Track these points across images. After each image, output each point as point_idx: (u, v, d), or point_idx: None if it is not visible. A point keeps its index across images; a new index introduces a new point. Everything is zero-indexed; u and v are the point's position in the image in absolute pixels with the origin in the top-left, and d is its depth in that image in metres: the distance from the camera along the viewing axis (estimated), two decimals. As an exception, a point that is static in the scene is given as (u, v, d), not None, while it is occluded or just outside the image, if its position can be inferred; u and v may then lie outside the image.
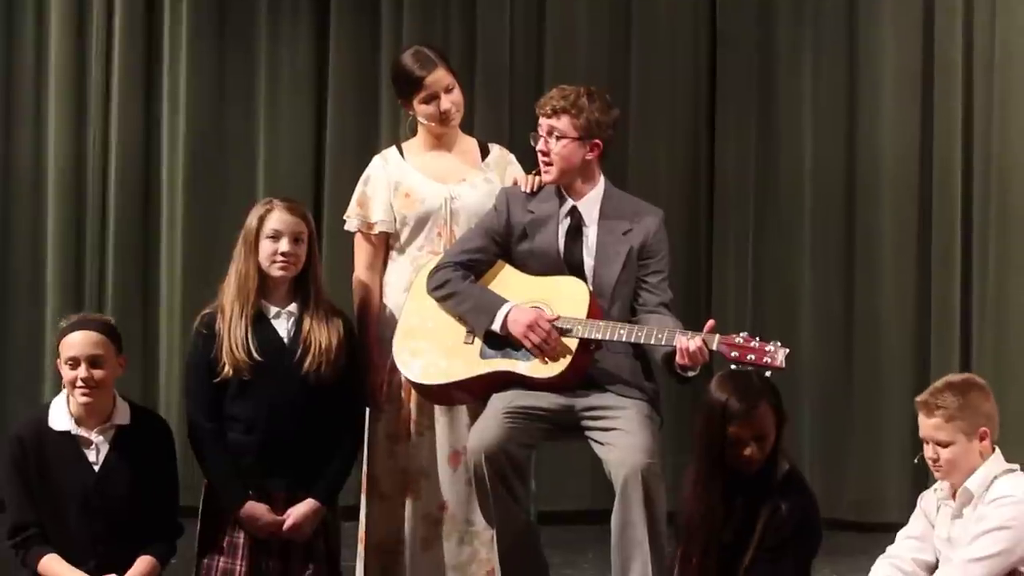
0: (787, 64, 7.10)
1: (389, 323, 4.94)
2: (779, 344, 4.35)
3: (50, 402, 4.62)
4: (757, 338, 4.38)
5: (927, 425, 4.17)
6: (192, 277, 7.00)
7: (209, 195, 7.10)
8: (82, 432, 4.53)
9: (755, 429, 4.19)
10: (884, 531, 5.18)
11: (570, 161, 4.73)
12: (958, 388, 4.17)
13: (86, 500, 4.49)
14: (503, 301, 4.69)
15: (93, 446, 4.53)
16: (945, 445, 4.14)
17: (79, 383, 4.48)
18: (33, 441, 4.51)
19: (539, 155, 4.75)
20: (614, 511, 4.46)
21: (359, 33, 7.16)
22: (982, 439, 4.15)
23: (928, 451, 4.19)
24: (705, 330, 4.46)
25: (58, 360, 4.56)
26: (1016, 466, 4.18)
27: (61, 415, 4.55)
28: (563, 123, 4.71)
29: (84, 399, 4.50)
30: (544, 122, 4.73)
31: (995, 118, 6.85)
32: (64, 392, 4.58)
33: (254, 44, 7.16)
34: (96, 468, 4.52)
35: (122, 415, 4.58)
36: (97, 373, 4.49)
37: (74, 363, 4.49)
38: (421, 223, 4.96)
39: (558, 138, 4.71)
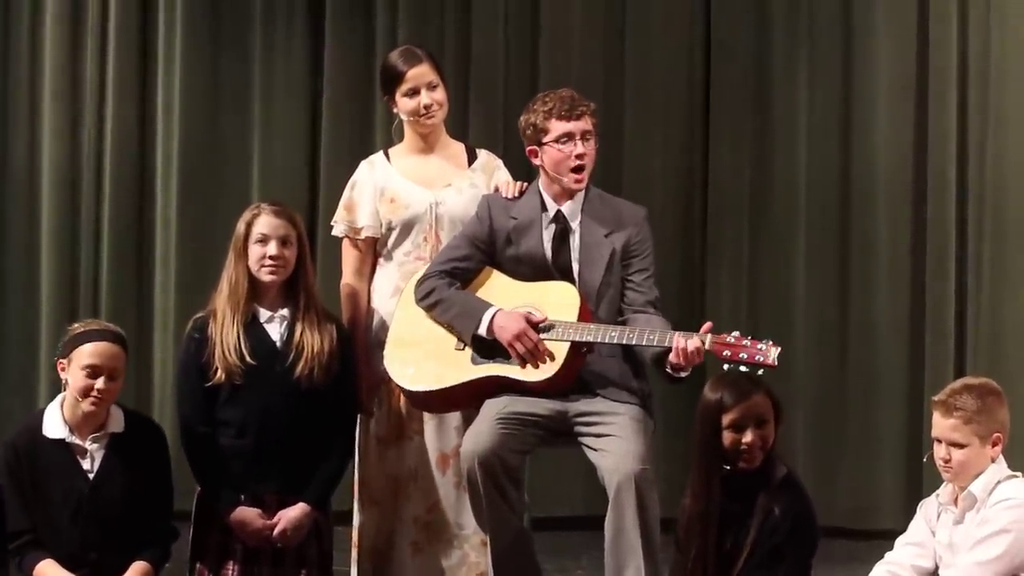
0: (782, 74, 7.08)
1: (377, 328, 4.94)
2: (771, 343, 4.35)
3: (43, 410, 4.59)
4: (749, 337, 4.38)
5: (943, 425, 4.13)
6: (186, 281, 6.99)
7: (203, 199, 7.09)
8: (76, 440, 4.52)
9: (753, 414, 4.15)
10: (878, 538, 5.19)
11: (594, 160, 4.74)
12: (977, 391, 4.14)
13: (79, 507, 4.48)
14: (488, 305, 4.68)
15: (88, 454, 4.51)
16: (960, 447, 4.11)
17: (95, 393, 4.46)
18: (27, 449, 4.50)
19: (576, 159, 4.66)
20: (607, 517, 4.45)
21: (354, 39, 7.15)
22: (995, 445, 4.13)
23: (940, 451, 4.15)
24: (702, 331, 4.44)
25: (63, 361, 4.52)
26: (1019, 473, 4.16)
27: (55, 423, 4.52)
28: (590, 124, 4.71)
29: (92, 408, 4.48)
30: (574, 126, 4.66)
31: (990, 127, 6.84)
32: (58, 400, 4.56)
33: (249, 48, 7.16)
34: (91, 476, 4.50)
35: (116, 422, 4.56)
36: (112, 386, 4.49)
37: (93, 372, 4.46)
38: (407, 228, 4.96)
39: (589, 140, 4.70)
